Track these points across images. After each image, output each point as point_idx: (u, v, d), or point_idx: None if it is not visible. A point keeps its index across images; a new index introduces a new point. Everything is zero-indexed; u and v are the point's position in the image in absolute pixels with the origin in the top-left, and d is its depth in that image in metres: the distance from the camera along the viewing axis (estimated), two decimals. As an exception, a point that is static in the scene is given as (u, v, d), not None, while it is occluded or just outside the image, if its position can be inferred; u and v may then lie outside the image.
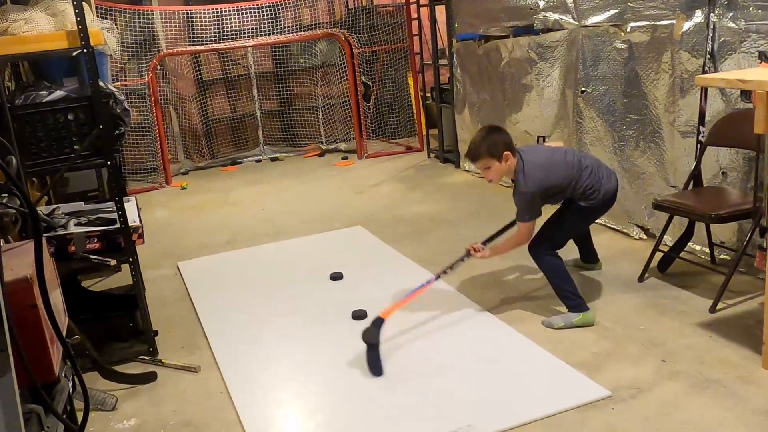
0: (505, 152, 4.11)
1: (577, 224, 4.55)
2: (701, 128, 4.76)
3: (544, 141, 6.60)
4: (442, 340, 4.17)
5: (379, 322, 4.10)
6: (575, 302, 4.23)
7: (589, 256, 5.05)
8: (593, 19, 5.70)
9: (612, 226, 5.78)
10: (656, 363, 3.70)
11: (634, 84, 5.34)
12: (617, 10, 5.43)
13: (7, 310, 1.65)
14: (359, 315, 4.56)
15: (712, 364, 3.63)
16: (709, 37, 4.63)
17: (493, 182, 4.37)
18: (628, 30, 5.32)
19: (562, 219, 4.39)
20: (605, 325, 4.16)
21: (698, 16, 4.70)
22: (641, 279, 4.74)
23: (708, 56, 4.67)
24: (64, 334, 2.28)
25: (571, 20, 5.98)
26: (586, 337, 4.04)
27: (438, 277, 4.45)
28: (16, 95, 3.98)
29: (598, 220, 5.84)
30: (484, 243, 4.49)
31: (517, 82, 6.99)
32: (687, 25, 4.78)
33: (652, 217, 5.33)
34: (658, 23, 5.04)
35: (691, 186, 4.71)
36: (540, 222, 4.33)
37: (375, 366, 3.89)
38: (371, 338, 4.00)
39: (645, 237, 5.48)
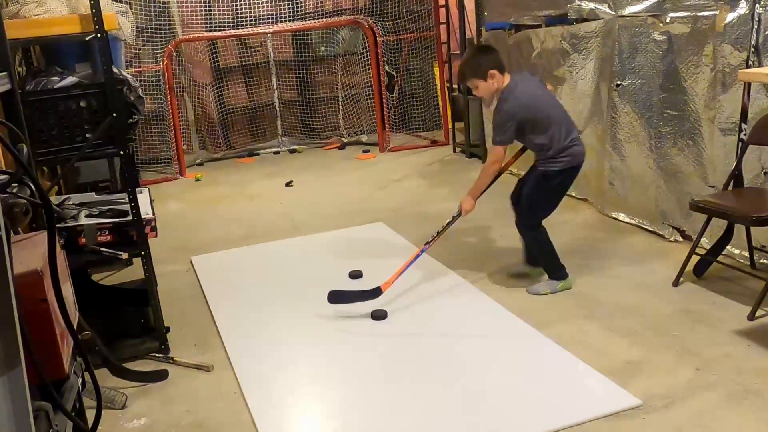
0: (490, 71, 4.46)
1: (552, 191, 4.70)
2: (743, 125, 4.73)
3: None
4: (466, 342, 4.17)
5: (376, 292, 4.60)
6: (559, 272, 4.74)
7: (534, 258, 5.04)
8: (631, 9, 5.67)
9: (646, 227, 5.75)
10: (691, 372, 3.68)
11: (673, 78, 5.31)
12: (656, 0, 5.40)
13: (17, 304, 1.66)
14: (379, 315, 4.57)
15: (750, 374, 3.61)
16: (754, 29, 4.59)
17: (485, 103, 4.73)
18: (668, 21, 5.28)
19: (537, 189, 4.67)
20: (637, 332, 4.14)
21: (742, 7, 4.66)
22: (676, 283, 4.71)
23: (752, 49, 4.63)
24: (75, 329, 2.30)
25: (608, 10, 5.95)
26: (617, 344, 4.03)
27: (428, 244, 4.79)
28: (27, 81, 4.01)
29: (630, 220, 5.84)
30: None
31: (549, 74, 6.96)
32: (730, 17, 4.74)
33: (688, 218, 5.29)
34: (699, 14, 5.00)
35: (731, 186, 4.68)
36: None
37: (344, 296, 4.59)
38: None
39: (681, 239, 5.45)
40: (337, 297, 4.67)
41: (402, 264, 4.77)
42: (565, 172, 4.60)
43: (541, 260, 4.83)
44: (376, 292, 4.65)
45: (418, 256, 4.77)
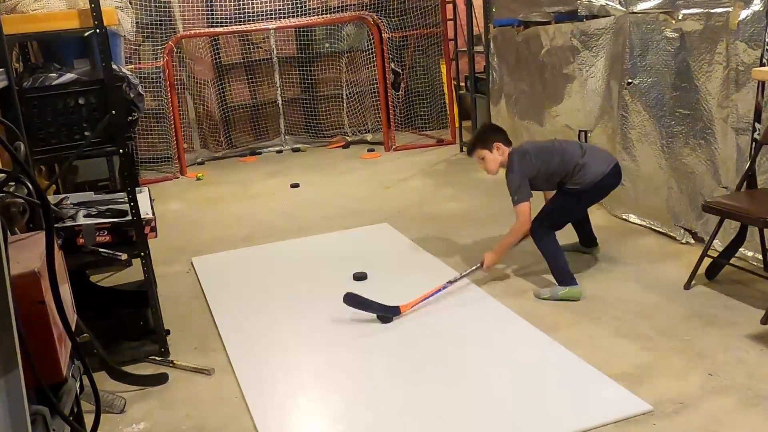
0: (496, 143, 4.98)
1: (570, 206, 5.09)
2: (757, 125, 4.72)
3: (586, 136, 6.59)
4: (473, 346, 4.17)
5: (395, 311, 4.63)
6: (565, 278, 4.79)
7: (588, 240, 5.50)
8: (642, 6, 5.66)
9: (657, 229, 5.74)
10: (702, 376, 3.67)
11: (685, 76, 5.30)
12: (668, -4, 5.41)
13: (13, 306, 1.67)
14: (385, 317, 4.58)
15: (763, 379, 3.60)
16: (768, 26, 4.60)
17: (491, 173, 5.13)
18: (680, 18, 5.28)
19: (557, 202, 5.05)
20: (648, 335, 4.14)
21: (756, 4, 4.65)
22: (687, 286, 4.71)
23: (766, 47, 4.63)
24: (73, 331, 2.30)
25: (619, 6, 5.94)
26: (627, 347, 4.02)
27: (451, 283, 4.89)
28: (24, 77, 4.02)
29: (641, 221, 5.83)
30: None
31: (559, 72, 6.96)
32: (744, 14, 4.73)
33: (701, 219, 5.29)
34: (712, 11, 5.00)
35: (744, 187, 4.67)
36: (539, 207, 5.02)
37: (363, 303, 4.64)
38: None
39: (692, 241, 5.44)
40: (353, 300, 4.68)
41: (426, 292, 4.79)
42: (586, 191, 4.93)
43: (549, 265, 4.89)
44: (395, 310, 4.63)
45: (439, 290, 4.82)
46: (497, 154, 4.98)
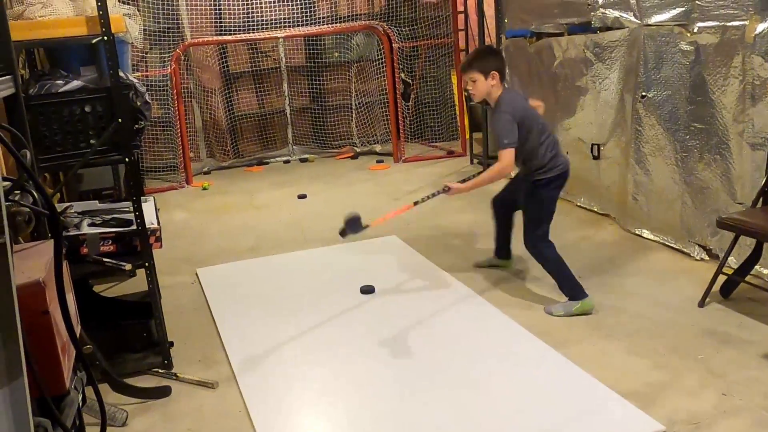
0: (493, 72, 4.75)
1: (549, 198, 4.85)
2: (773, 140, 4.73)
3: (599, 149, 6.59)
4: (481, 361, 4.16)
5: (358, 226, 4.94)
6: (574, 290, 4.73)
7: (505, 250, 5.53)
8: (657, 18, 5.67)
9: (671, 245, 5.74)
10: (716, 396, 3.66)
11: (700, 90, 5.31)
12: (684, 9, 5.40)
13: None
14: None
15: (779, 400, 3.60)
16: (785, 40, 4.60)
17: (474, 99, 4.98)
18: (695, 30, 5.28)
19: (534, 200, 4.86)
20: (660, 353, 4.13)
21: (773, 17, 4.67)
22: (702, 304, 4.70)
23: (783, 61, 4.63)
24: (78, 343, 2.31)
25: (633, 18, 5.95)
26: (639, 365, 4.02)
27: (416, 204, 5.07)
28: (31, 84, 4.03)
29: (654, 237, 5.82)
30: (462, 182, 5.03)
31: (571, 84, 6.97)
32: (761, 27, 4.74)
33: (715, 236, 5.28)
34: (728, 24, 5.00)
35: (760, 203, 4.67)
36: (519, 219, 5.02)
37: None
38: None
39: (707, 258, 5.43)
40: (346, 228, 4.95)
41: (391, 212, 5.35)
42: (558, 179, 4.81)
43: (555, 279, 4.84)
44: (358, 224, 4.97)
45: (405, 211, 5.28)
46: (490, 84, 4.76)
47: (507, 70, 8.33)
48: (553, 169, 4.75)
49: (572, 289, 4.74)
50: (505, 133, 4.63)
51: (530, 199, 4.88)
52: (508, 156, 4.60)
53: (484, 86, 4.78)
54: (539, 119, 4.85)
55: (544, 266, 4.88)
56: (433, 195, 5.00)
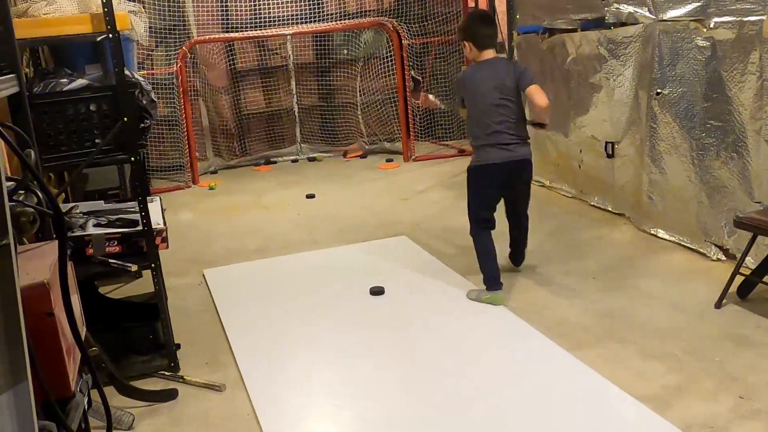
0: (467, 42, 4.96)
1: (472, 190, 5.12)
2: (791, 138, 4.71)
3: (613, 147, 6.57)
4: (493, 364, 4.17)
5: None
6: (489, 281, 4.96)
7: (515, 255, 5.51)
8: (672, 13, 5.65)
9: (687, 245, 5.72)
10: (733, 400, 3.65)
11: (717, 87, 5.29)
12: (699, 4, 5.39)
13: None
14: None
15: (797, 403, 3.58)
16: (804, 35, 4.58)
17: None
18: (711, 26, 5.27)
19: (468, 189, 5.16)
20: (676, 356, 4.12)
21: (791, 12, 4.65)
22: (718, 305, 4.68)
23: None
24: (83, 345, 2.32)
25: (647, 14, 5.93)
26: (654, 368, 4.01)
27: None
28: (35, 83, 4.05)
29: (669, 236, 5.80)
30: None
31: (585, 81, 6.95)
32: (778, 22, 4.73)
33: (732, 235, 5.27)
34: (745, 19, 4.99)
35: (778, 202, 4.66)
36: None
37: None
38: None
39: (724, 258, 5.41)
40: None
41: None
42: (476, 170, 5.06)
43: (479, 263, 5.07)
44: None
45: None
46: (468, 53, 5.07)
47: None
48: (473, 159, 5.11)
49: (487, 279, 4.97)
50: (454, 95, 5.25)
51: None
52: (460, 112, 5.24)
53: (467, 54, 5.12)
54: (477, 95, 4.96)
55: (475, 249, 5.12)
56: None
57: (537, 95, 4.84)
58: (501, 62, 5.17)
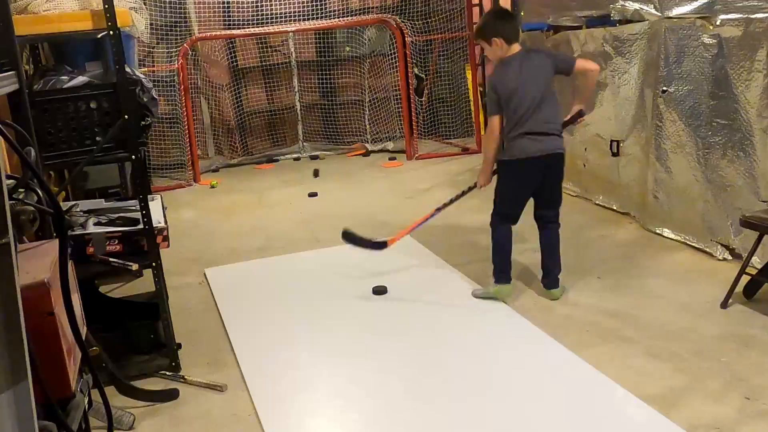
0: (495, 38, 4.79)
1: (503, 183, 4.95)
2: (798, 136, 4.70)
3: (618, 146, 6.57)
4: (496, 365, 4.16)
5: (382, 245, 5.28)
6: (498, 275, 4.99)
7: (544, 276, 5.11)
8: (678, 10, 5.65)
9: (692, 244, 5.71)
10: (740, 400, 3.65)
11: (723, 84, 5.28)
12: (706, 1, 5.38)
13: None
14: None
15: (804, 404, 3.58)
16: (811, 33, 4.57)
17: (493, 62, 5.09)
18: (718, 23, 5.26)
19: (498, 178, 5.00)
20: (682, 356, 4.12)
21: (799, 9, 4.65)
22: (724, 305, 4.67)
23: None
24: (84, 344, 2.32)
25: (653, 11, 5.93)
26: (660, 368, 4.00)
27: (439, 210, 5.33)
28: (35, 80, 4.06)
29: (675, 236, 5.79)
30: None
31: (590, 78, 6.94)
32: (785, 19, 4.72)
33: (738, 235, 5.26)
34: (752, 16, 4.98)
35: (785, 201, 4.66)
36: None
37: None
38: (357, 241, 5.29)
39: (730, 257, 5.41)
40: (349, 237, 5.36)
41: (411, 224, 5.44)
42: (511, 164, 4.86)
43: (492, 257, 5.04)
44: (381, 245, 5.31)
45: (428, 219, 5.35)
46: (495, 49, 4.84)
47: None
48: (506, 152, 4.89)
49: (498, 272, 4.99)
50: (488, 101, 5.01)
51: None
52: (491, 124, 4.88)
53: (492, 53, 4.91)
54: (513, 90, 4.75)
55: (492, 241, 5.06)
56: (462, 194, 5.23)
57: (588, 63, 4.98)
58: (533, 53, 5.07)
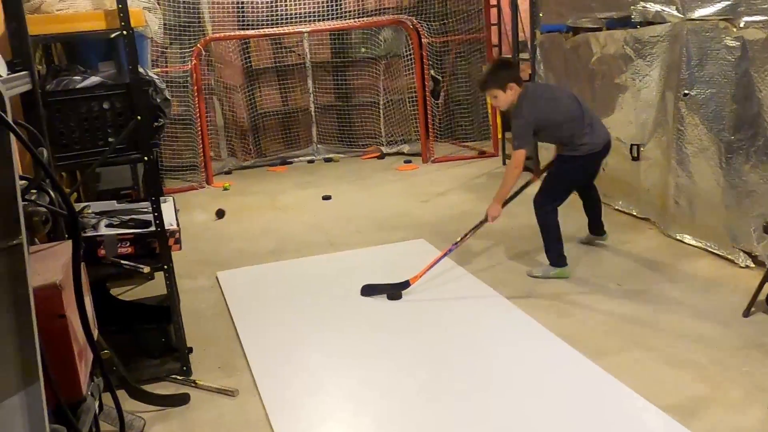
0: (509, 83, 5.35)
1: (568, 174, 5.59)
2: (823, 141, 4.68)
3: (638, 150, 6.55)
4: (512, 372, 4.15)
5: (404, 285, 5.30)
6: (556, 258, 5.47)
7: (597, 227, 6.10)
8: (701, 12, 5.63)
9: (714, 251, 5.69)
10: (762, 411, 3.63)
11: (747, 88, 5.27)
12: (729, 2, 5.36)
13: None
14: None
15: (828, 415, 3.56)
16: (837, 36, 4.56)
17: (500, 109, 6.04)
18: (741, 25, 5.25)
19: (554, 171, 5.64)
20: (703, 365, 4.10)
21: (824, 12, 4.63)
22: (746, 314, 4.65)
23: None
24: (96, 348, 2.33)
25: (675, 12, 5.91)
26: (680, 377, 3.99)
27: (456, 244, 5.50)
28: (48, 80, 4.07)
29: (696, 242, 5.78)
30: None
31: (610, 81, 6.93)
32: (810, 22, 4.70)
33: (762, 242, 5.24)
34: (776, 18, 4.97)
35: (809, 208, 4.63)
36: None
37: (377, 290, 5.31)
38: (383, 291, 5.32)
39: (753, 265, 5.39)
40: (368, 290, 5.35)
41: (430, 261, 5.46)
42: (585, 157, 5.48)
43: (544, 241, 5.51)
44: (404, 285, 5.29)
45: (445, 254, 5.49)
46: (510, 94, 5.37)
47: (541, 67, 8.33)
48: (576, 149, 5.42)
49: (556, 258, 5.47)
50: (517, 136, 5.38)
51: (557, 168, 5.62)
52: (517, 156, 5.33)
53: (504, 99, 5.42)
54: (560, 109, 5.45)
55: (539, 227, 5.53)
56: (475, 228, 5.50)
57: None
58: (542, 86, 6.10)
